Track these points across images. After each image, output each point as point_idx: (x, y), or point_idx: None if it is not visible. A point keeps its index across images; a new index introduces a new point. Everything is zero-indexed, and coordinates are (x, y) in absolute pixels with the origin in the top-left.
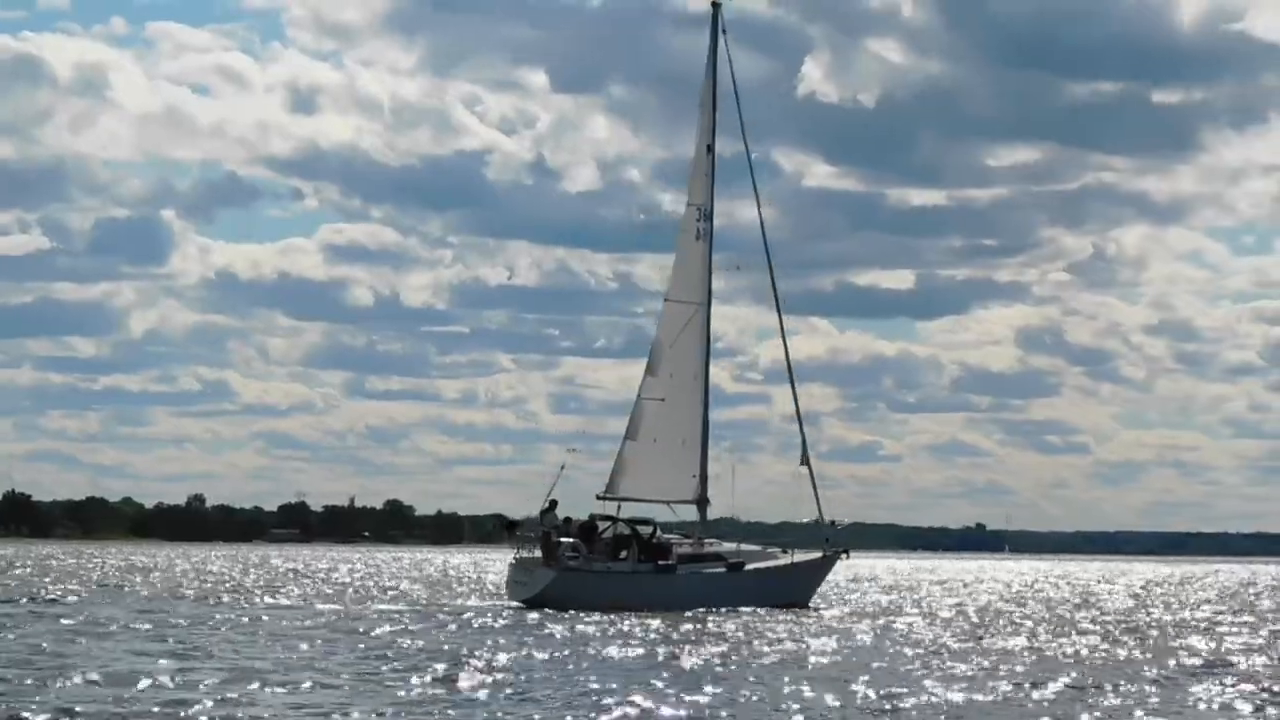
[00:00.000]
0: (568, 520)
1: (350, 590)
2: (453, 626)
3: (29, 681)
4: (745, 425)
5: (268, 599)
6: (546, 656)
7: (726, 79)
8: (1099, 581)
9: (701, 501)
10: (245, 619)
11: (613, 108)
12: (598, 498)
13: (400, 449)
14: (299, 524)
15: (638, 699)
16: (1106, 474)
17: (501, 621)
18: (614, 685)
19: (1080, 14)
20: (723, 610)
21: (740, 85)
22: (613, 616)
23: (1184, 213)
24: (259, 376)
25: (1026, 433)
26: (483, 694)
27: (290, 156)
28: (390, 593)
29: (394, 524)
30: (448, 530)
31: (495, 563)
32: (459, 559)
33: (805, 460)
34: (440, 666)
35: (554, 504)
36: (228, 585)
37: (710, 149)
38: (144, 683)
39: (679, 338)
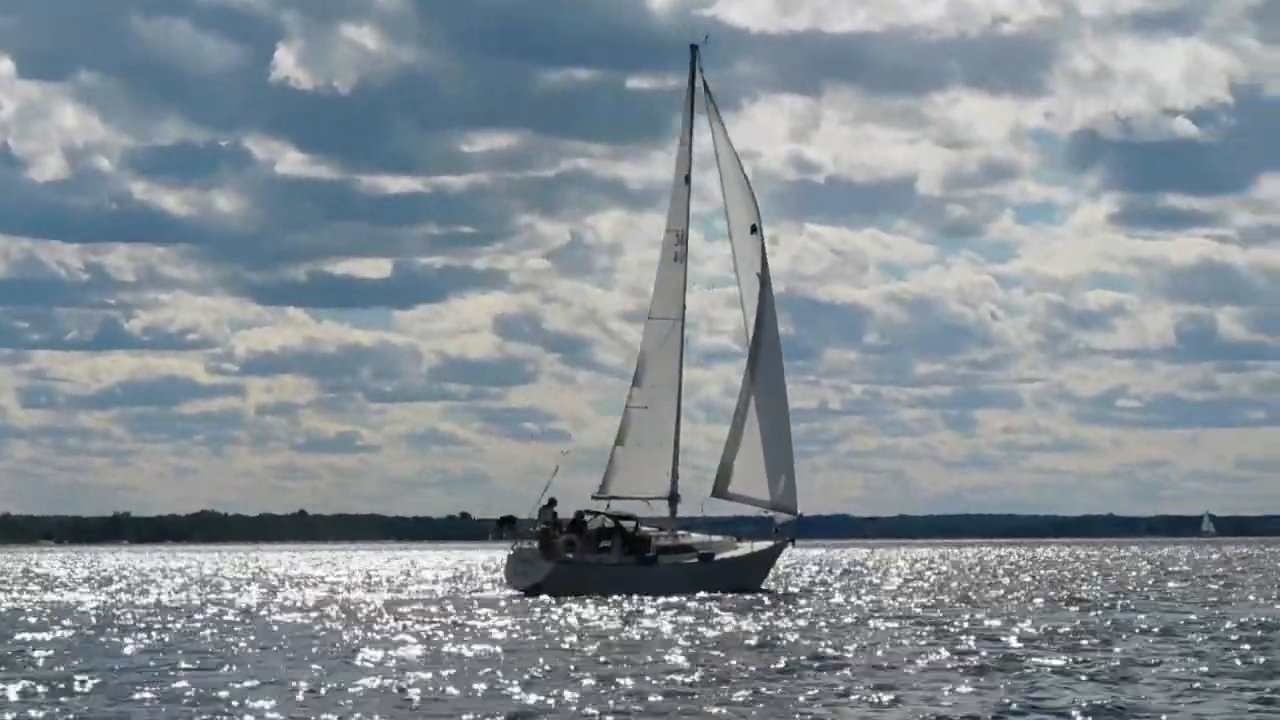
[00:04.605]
0: (554, 513)
1: None
2: None
3: None
4: (220, 418)
5: None
6: None
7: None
8: None
9: (673, 498)
10: None
11: (81, 95)
12: (592, 497)
13: None
14: None
15: None
16: (584, 460)
17: None
18: None
19: (554, 1)
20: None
21: (211, 74)
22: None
23: (659, 199)
24: None
25: (505, 420)
26: None
27: None
28: None
29: None
30: None
31: None
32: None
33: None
34: None
35: (553, 501)
36: None
37: (688, 179)
38: None
39: (660, 351)
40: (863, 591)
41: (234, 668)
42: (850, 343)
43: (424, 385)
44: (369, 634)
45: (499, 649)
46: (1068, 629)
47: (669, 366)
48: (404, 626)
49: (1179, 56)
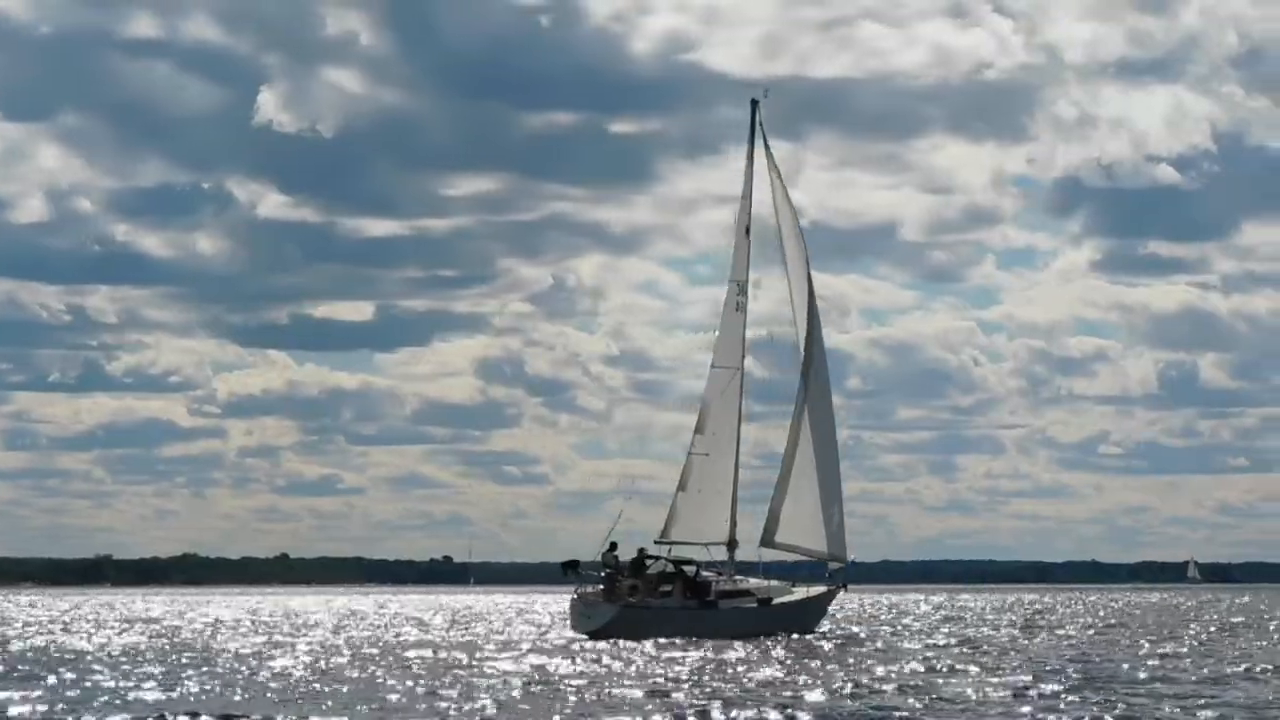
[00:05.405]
0: (616, 556)
1: None
2: None
3: None
4: (201, 460)
5: None
6: None
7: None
8: None
9: (731, 543)
10: None
11: (63, 137)
12: (655, 543)
13: None
14: None
15: None
16: (566, 503)
17: None
18: None
19: (536, 45)
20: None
21: (194, 116)
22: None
23: (640, 243)
24: None
25: (486, 464)
26: None
27: None
28: None
29: None
30: None
31: None
32: None
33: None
34: None
35: (615, 545)
36: None
37: (748, 230)
38: None
39: (722, 398)
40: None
41: None
42: (832, 387)
43: (406, 428)
44: None
45: None
46: None
47: (729, 415)
48: None
49: (1162, 103)
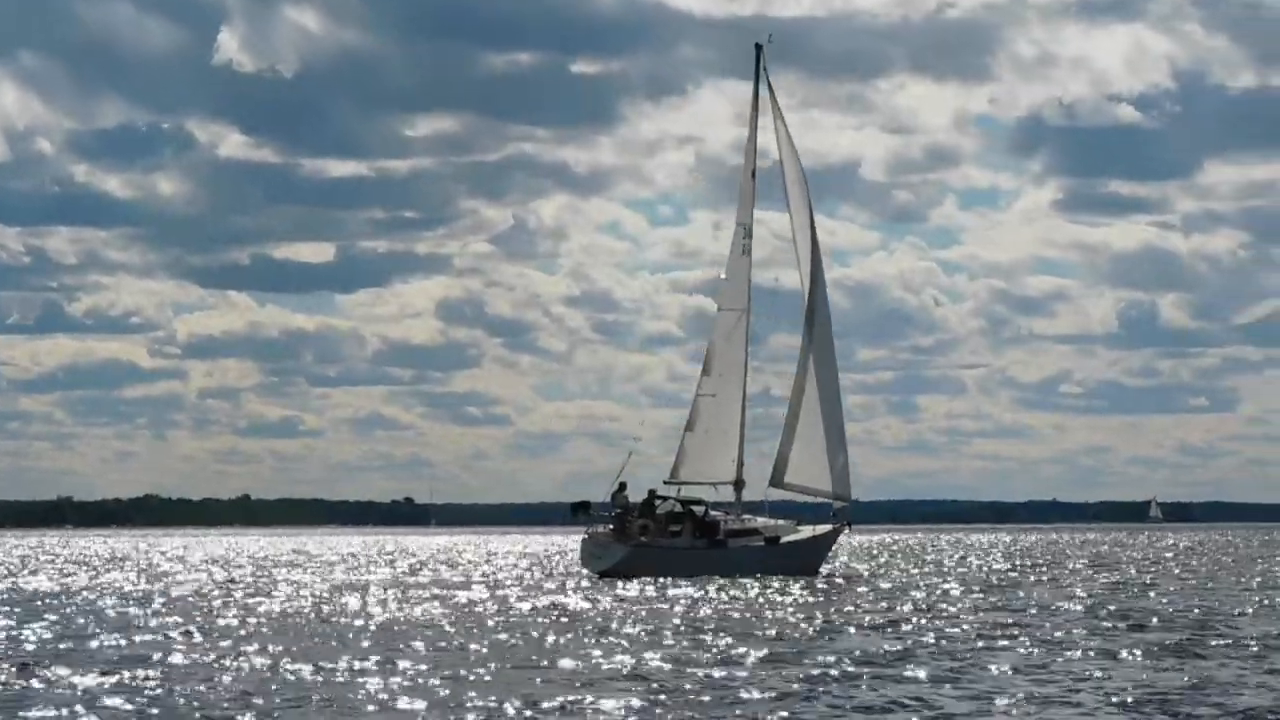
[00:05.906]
0: (626, 497)
1: None
2: None
3: None
4: (162, 402)
5: None
6: None
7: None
8: None
9: (738, 483)
10: None
11: (22, 77)
12: (664, 484)
13: None
14: None
15: None
16: (527, 445)
17: None
18: None
19: None
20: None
21: (152, 57)
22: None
23: (603, 184)
24: None
25: (448, 405)
26: None
27: None
28: None
29: None
30: None
31: None
32: None
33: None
34: None
35: (624, 485)
36: None
37: (754, 174)
38: None
39: (728, 340)
40: None
41: None
42: (793, 329)
43: (367, 369)
44: None
45: None
46: None
47: (736, 356)
48: None
49: (1122, 42)
